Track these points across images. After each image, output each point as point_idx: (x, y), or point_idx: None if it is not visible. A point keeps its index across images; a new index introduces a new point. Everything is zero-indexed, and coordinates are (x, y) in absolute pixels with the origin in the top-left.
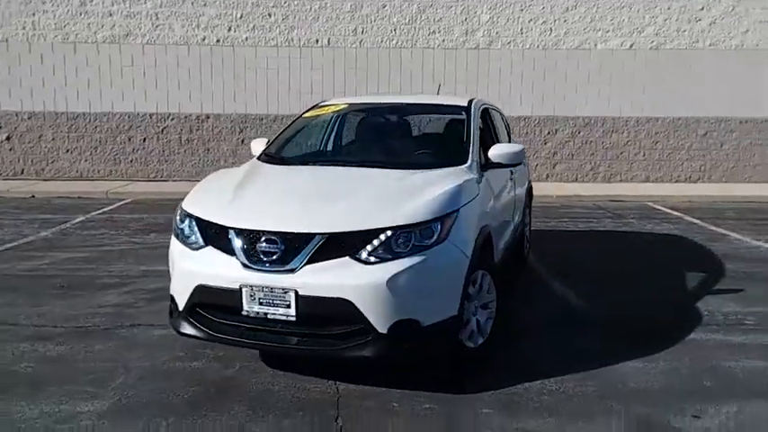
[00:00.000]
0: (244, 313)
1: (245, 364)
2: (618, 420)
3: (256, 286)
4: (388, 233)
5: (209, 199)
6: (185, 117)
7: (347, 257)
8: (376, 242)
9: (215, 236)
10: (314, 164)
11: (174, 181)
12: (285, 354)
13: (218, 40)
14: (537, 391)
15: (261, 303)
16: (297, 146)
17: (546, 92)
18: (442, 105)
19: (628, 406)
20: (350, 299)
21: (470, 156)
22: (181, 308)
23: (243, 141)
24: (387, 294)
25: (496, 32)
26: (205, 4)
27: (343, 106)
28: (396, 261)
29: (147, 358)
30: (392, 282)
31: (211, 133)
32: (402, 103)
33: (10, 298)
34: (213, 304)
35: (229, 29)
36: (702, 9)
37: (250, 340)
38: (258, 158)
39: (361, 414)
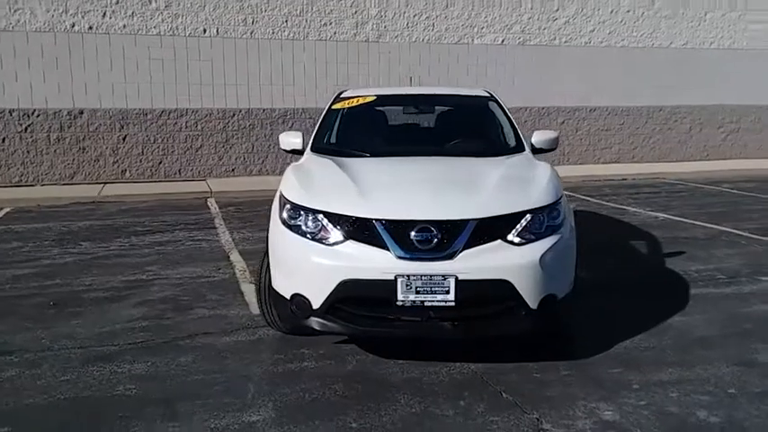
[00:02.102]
0: (399, 303)
1: (358, 357)
2: (724, 363)
3: (414, 275)
4: (528, 216)
5: (329, 193)
6: (54, 113)
7: (499, 240)
8: (520, 225)
9: (356, 229)
10: (390, 155)
11: (45, 185)
12: (431, 339)
13: (90, 27)
14: (635, 348)
15: (418, 292)
16: (349, 137)
17: (430, 84)
18: (467, 96)
19: (718, 349)
20: (508, 279)
21: (525, 143)
22: (317, 305)
23: (125, 138)
24: (539, 272)
25: (385, 26)
26: None
27: (372, 98)
28: (540, 241)
29: (251, 365)
30: (542, 260)
31: (87, 131)
32: (431, 94)
33: (8, 324)
34: (359, 298)
35: (104, 15)
36: (558, 10)
37: (403, 330)
38: (313, 151)
39: (518, 386)
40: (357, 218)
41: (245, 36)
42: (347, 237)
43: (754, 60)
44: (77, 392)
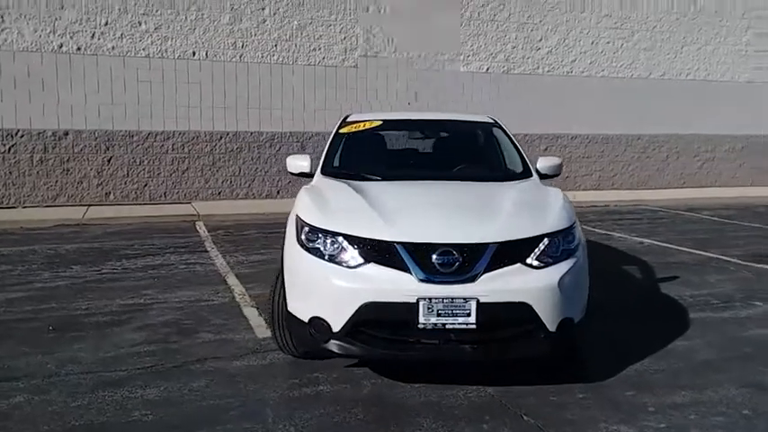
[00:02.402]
0: (420, 326)
1: (372, 381)
2: (733, 385)
3: (435, 298)
4: (546, 240)
5: (349, 216)
6: (38, 134)
7: (519, 264)
8: (538, 249)
9: (377, 252)
10: (400, 179)
11: (27, 207)
12: (451, 362)
13: (78, 48)
14: (645, 371)
15: (439, 314)
16: (358, 161)
17: (421, 110)
18: (472, 122)
19: (724, 372)
20: (528, 302)
21: (532, 169)
22: (337, 328)
23: (110, 161)
24: (557, 295)
25: (373, 52)
26: (62, 7)
27: (378, 122)
28: (557, 265)
29: (266, 389)
30: (560, 283)
31: (71, 152)
32: (436, 119)
33: (8, 348)
34: (380, 321)
35: (92, 36)
36: (541, 40)
37: (423, 353)
38: (324, 174)
39: (537, 409)
40: (379, 241)
41: (234, 60)
42: (368, 259)
43: (727, 91)
44: (92, 418)
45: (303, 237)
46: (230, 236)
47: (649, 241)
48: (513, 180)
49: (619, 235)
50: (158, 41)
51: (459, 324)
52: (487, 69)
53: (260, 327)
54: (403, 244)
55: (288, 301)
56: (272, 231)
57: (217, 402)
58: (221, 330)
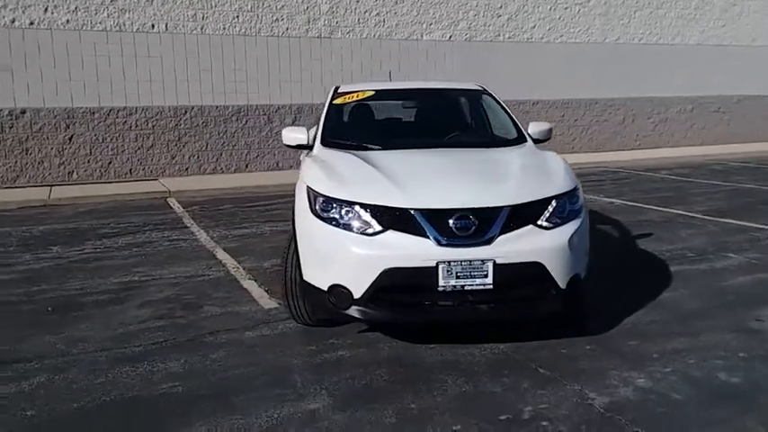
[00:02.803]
0: (440, 289)
1: (388, 344)
2: (724, 331)
3: (454, 261)
4: (554, 202)
5: (363, 185)
6: None
7: (531, 225)
8: (548, 211)
9: (395, 219)
10: (401, 148)
11: None
12: (469, 322)
13: (31, 23)
14: (641, 322)
15: (458, 277)
16: (357, 131)
17: (383, 80)
18: (462, 89)
19: (713, 319)
20: (541, 261)
21: (525, 134)
22: (358, 294)
23: (71, 139)
24: (567, 254)
25: (336, 22)
26: None
27: (371, 92)
28: (566, 225)
29: (287, 357)
30: (570, 242)
31: (30, 131)
32: (428, 88)
33: (11, 331)
34: (400, 286)
35: (45, 9)
36: (501, 7)
37: (443, 315)
38: (324, 145)
39: (551, 362)
40: (396, 208)
41: (195, 32)
42: (387, 227)
43: (677, 55)
44: (121, 393)
45: (317, 207)
46: (207, 211)
47: (619, 201)
48: (509, 145)
49: (588, 196)
50: (115, 14)
51: (476, 285)
52: (450, 37)
53: (263, 298)
54: (420, 210)
55: (303, 270)
56: (248, 205)
57: (241, 371)
58: (225, 303)
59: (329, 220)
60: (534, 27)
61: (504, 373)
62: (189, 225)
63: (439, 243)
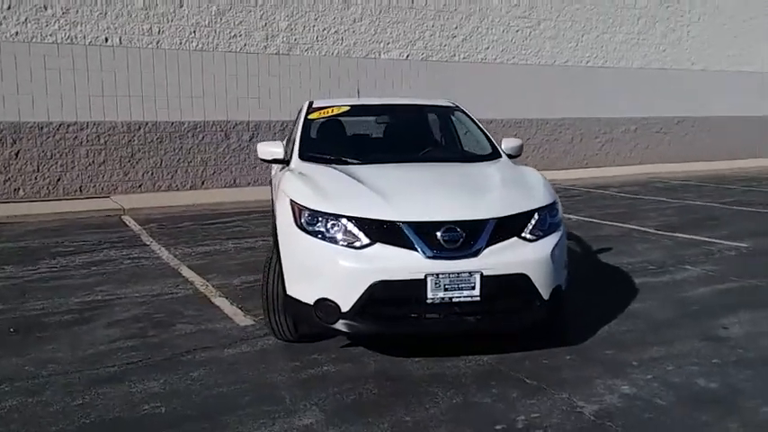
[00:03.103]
0: (428, 301)
1: (373, 358)
2: (694, 339)
3: (442, 273)
4: (536, 215)
5: (349, 198)
6: None
7: (515, 238)
8: (531, 223)
9: (383, 232)
10: (379, 162)
11: None
12: (456, 335)
13: None
14: (616, 332)
15: (446, 289)
16: (333, 146)
17: (341, 97)
18: (435, 105)
19: (682, 328)
20: (526, 273)
21: (500, 150)
22: (346, 308)
23: (17, 154)
24: (550, 266)
25: (295, 39)
26: None
27: (345, 108)
28: (548, 237)
29: (270, 373)
30: (552, 254)
31: None
32: (401, 104)
33: None
34: (389, 299)
35: None
36: (456, 27)
37: (430, 327)
38: (303, 159)
39: (535, 372)
40: (384, 221)
41: (150, 46)
42: (375, 240)
43: (622, 77)
44: (101, 414)
45: (303, 220)
46: (165, 229)
47: (576, 217)
48: (485, 161)
49: None
50: (66, 27)
51: (464, 297)
52: (407, 57)
53: (237, 315)
54: (408, 223)
55: (287, 284)
56: (208, 223)
57: (225, 390)
58: (198, 321)
59: (315, 234)
60: (488, 48)
61: (492, 384)
62: (148, 243)
63: (427, 255)
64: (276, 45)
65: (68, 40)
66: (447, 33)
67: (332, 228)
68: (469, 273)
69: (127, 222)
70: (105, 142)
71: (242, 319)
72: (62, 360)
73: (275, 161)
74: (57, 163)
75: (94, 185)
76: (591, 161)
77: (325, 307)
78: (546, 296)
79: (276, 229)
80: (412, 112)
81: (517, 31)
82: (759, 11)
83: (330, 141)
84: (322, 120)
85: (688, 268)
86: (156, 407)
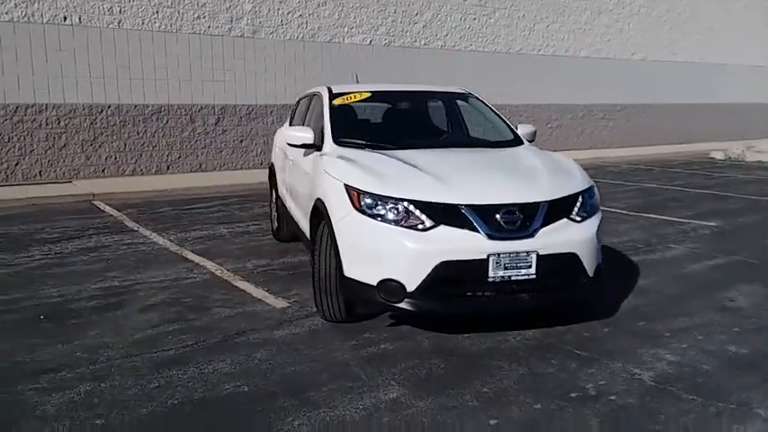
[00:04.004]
0: (490, 280)
1: (424, 336)
2: (709, 310)
3: (503, 253)
4: (581, 198)
5: (408, 182)
6: None
7: (565, 219)
8: (577, 205)
9: (445, 214)
10: (414, 147)
11: None
12: (512, 311)
13: None
14: (637, 306)
15: (506, 268)
16: (366, 131)
17: (306, 81)
18: (450, 92)
19: (694, 301)
20: (576, 252)
21: (520, 135)
22: (412, 288)
23: None
24: (595, 245)
25: (259, 22)
26: None
27: (367, 94)
28: (591, 218)
29: (335, 352)
30: (596, 234)
31: None
32: (420, 91)
33: (10, 342)
34: (453, 278)
35: None
36: (417, 14)
37: (490, 305)
38: (337, 144)
39: (582, 344)
40: (447, 204)
41: (111, 26)
42: (438, 222)
43: (571, 65)
44: (187, 395)
45: (363, 204)
46: (146, 214)
47: None
48: (512, 146)
49: None
50: (23, 4)
51: (521, 275)
52: (370, 42)
53: (268, 298)
54: (470, 206)
55: (345, 267)
56: (188, 208)
57: (298, 368)
58: (232, 304)
59: (376, 217)
60: (447, 35)
61: (548, 356)
62: (136, 228)
63: (489, 236)
64: (241, 28)
65: (25, 19)
66: (408, 19)
67: (394, 211)
68: (527, 252)
69: (101, 208)
70: (66, 125)
71: (275, 301)
72: (113, 345)
73: (305, 146)
74: (15, 147)
75: (55, 170)
76: (543, 146)
77: (390, 287)
78: (591, 273)
79: (327, 212)
80: (429, 98)
81: (474, 18)
82: (691, 3)
83: (358, 127)
84: (352, 105)
85: (673, 246)
86: (237, 386)
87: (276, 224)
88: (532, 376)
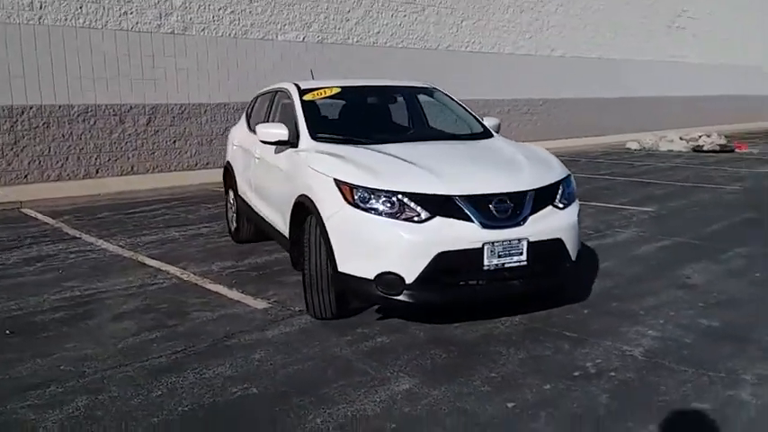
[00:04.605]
0: (485, 268)
1: (418, 327)
2: (671, 288)
3: (497, 242)
4: (561, 186)
5: (399, 175)
6: None
7: (550, 207)
8: (559, 193)
9: (440, 205)
10: (391, 142)
11: None
12: (504, 297)
13: None
14: (605, 288)
15: (499, 256)
16: (340, 126)
17: (240, 80)
18: (416, 87)
19: (655, 281)
20: (561, 237)
21: (488, 127)
22: (411, 279)
23: None
24: (576, 230)
25: (190, 18)
26: None
27: (337, 89)
28: (572, 205)
29: (332, 348)
30: (577, 221)
31: None
32: (387, 86)
33: None
34: (451, 268)
35: None
36: (349, 11)
37: (484, 293)
38: (316, 140)
39: (569, 326)
40: (441, 195)
41: (32, 22)
42: (434, 213)
43: (496, 62)
44: (197, 401)
45: (356, 198)
46: (85, 220)
47: None
48: (484, 138)
49: None
50: None
51: (514, 262)
52: (303, 39)
53: (246, 299)
54: (463, 197)
55: (338, 262)
56: (129, 212)
57: (302, 367)
58: (211, 308)
59: (371, 211)
60: (379, 32)
61: (541, 339)
62: (78, 236)
63: (483, 226)
64: (171, 24)
65: None
66: (341, 17)
67: (388, 204)
68: (518, 240)
69: (32, 215)
70: None
71: (254, 302)
72: (97, 356)
73: (279, 143)
74: None
75: None
76: None
77: (388, 280)
78: (573, 257)
79: (317, 209)
80: (396, 92)
81: (405, 16)
82: (604, 3)
83: (331, 123)
84: (323, 100)
85: (621, 231)
86: (245, 388)
87: (235, 225)
88: (533, 359)
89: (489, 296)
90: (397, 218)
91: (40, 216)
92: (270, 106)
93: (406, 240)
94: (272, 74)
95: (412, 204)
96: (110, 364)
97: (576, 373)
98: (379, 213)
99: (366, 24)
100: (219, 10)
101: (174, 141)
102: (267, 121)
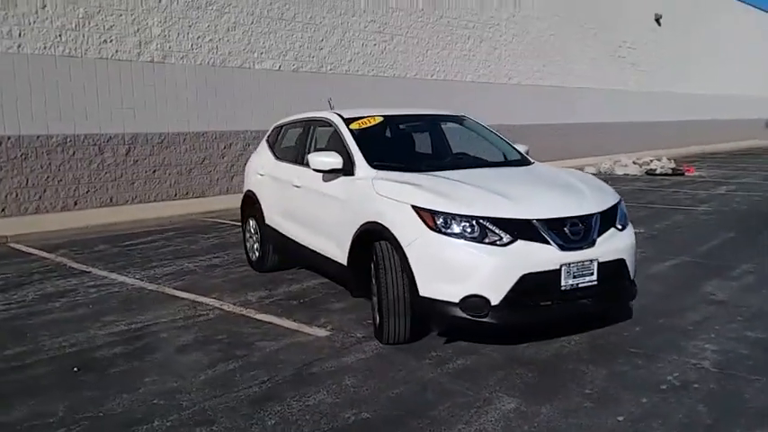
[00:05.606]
0: (562, 288)
1: (488, 349)
2: (703, 304)
3: (573, 263)
4: (618, 209)
5: (478, 201)
6: None
7: (612, 228)
8: (618, 215)
9: (520, 229)
10: (444, 169)
11: None
12: (576, 316)
13: None
14: (644, 305)
15: (574, 277)
16: (393, 154)
17: (218, 108)
18: (452, 116)
19: (684, 298)
20: (624, 257)
21: (528, 153)
22: (496, 301)
23: None
24: (634, 250)
25: (169, 47)
26: None
27: (380, 118)
28: (629, 227)
29: (418, 372)
30: (635, 242)
31: None
32: (425, 114)
33: (57, 396)
34: (533, 289)
35: None
36: (323, 40)
37: (561, 312)
38: (374, 168)
39: (633, 342)
40: (520, 219)
41: (10, 50)
42: (515, 237)
43: (457, 89)
44: (317, 428)
45: (438, 223)
46: (86, 254)
47: None
48: (526, 164)
49: None
50: None
51: (586, 282)
52: (280, 67)
53: (304, 327)
54: (540, 220)
55: (420, 286)
56: (127, 244)
57: (401, 390)
58: (273, 337)
59: (454, 235)
60: (351, 60)
61: (614, 357)
62: (87, 270)
63: (561, 248)
64: (150, 52)
65: None
66: (315, 45)
67: (469, 228)
68: (590, 260)
69: (24, 250)
70: None
71: (312, 330)
72: (185, 389)
73: (333, 171)
74: None
75: None
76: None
77: (474, 303)
78: (632, 276)
79: (395, 237)
80: (434, 121)
81: (375, 44)
82: (554, 34)
83: (381, 150)
84: (370, 129)
85: None
86: (356, 413)
87: (258, 254)
88: (617, 375)
89: (564, 315)
90: (481, 242)
91: (33, 251)
92: (306, 136)
93: (491, 263)
94: (249, 102)
95: (494, 228)
96: (203, 396)
97: (664, 387)
98: (463, 238)
99: (338, 53)
100: (198, 38)
101: (154, 171)
102: (309, 152)
